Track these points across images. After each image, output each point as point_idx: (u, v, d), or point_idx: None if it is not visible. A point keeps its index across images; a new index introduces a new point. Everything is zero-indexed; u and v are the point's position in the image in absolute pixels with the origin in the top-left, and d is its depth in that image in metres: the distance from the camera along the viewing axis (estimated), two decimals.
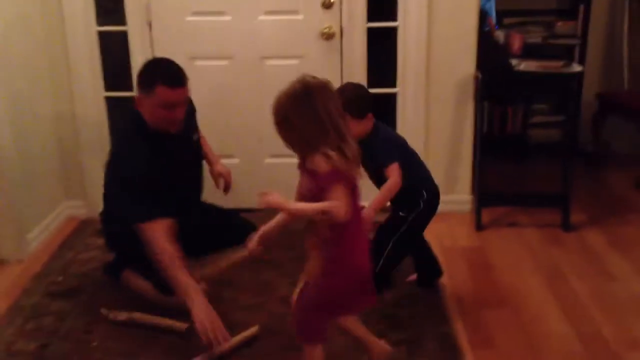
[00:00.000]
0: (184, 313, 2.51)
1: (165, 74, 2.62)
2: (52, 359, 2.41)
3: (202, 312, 2.39)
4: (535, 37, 4.32)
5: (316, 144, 1.87)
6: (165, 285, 2.59)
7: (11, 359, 2.41)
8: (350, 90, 2.61)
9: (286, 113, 1.90)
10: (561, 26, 4.43)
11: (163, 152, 2.68)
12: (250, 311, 2.71)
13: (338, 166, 1.86)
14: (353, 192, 1.95)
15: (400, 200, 2.67)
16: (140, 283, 2.81)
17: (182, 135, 2.79)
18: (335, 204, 1.86)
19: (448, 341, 2.49)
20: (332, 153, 1.86)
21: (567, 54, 4.36)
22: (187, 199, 2.92)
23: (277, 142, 3.96)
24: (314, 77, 1.93)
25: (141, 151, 2.61)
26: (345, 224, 1.90)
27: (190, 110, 2.92)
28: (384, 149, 2.64)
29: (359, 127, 2.55)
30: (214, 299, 2.75)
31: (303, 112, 1.88)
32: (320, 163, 1.87)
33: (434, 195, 2.77)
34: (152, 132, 2.67)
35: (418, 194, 2.71)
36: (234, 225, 3.09)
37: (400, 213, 2.73)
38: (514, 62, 3.42)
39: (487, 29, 3.48)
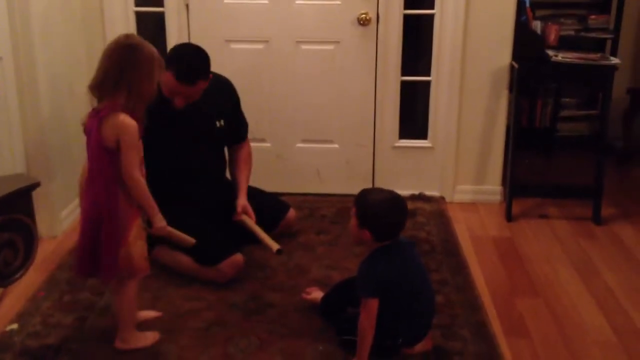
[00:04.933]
0: (219, 285, 2.72)
1: (181, 65, 2.68)
2: (91, 333, 2.43)
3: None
4: (568, 29, 4.29)
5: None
6: (203, 257, 2.73)
7: (50, 330, 2.44)
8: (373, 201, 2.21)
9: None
10: (594, 19, 4.39)
11: (170, 112, 2.77)
12: (282, 292, 2.73)
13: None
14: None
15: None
16: (177, 257, 2.84)
17: (199, 110, 2.84)
18: None
19: (482, 329, 2.50)
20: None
21: (598, 47, 4.33)
22: (207, 176, 2.98)
23: (309, 128, 3.96)
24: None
25: None
26: None
27: (227, 96, 3.03)
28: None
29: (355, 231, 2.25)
30: (246, 279, 2.80)
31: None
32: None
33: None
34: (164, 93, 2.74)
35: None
36: (267, 206, 3.12)
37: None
38: (550, 52, 3.40)
39: (523, 18, 3.46)
